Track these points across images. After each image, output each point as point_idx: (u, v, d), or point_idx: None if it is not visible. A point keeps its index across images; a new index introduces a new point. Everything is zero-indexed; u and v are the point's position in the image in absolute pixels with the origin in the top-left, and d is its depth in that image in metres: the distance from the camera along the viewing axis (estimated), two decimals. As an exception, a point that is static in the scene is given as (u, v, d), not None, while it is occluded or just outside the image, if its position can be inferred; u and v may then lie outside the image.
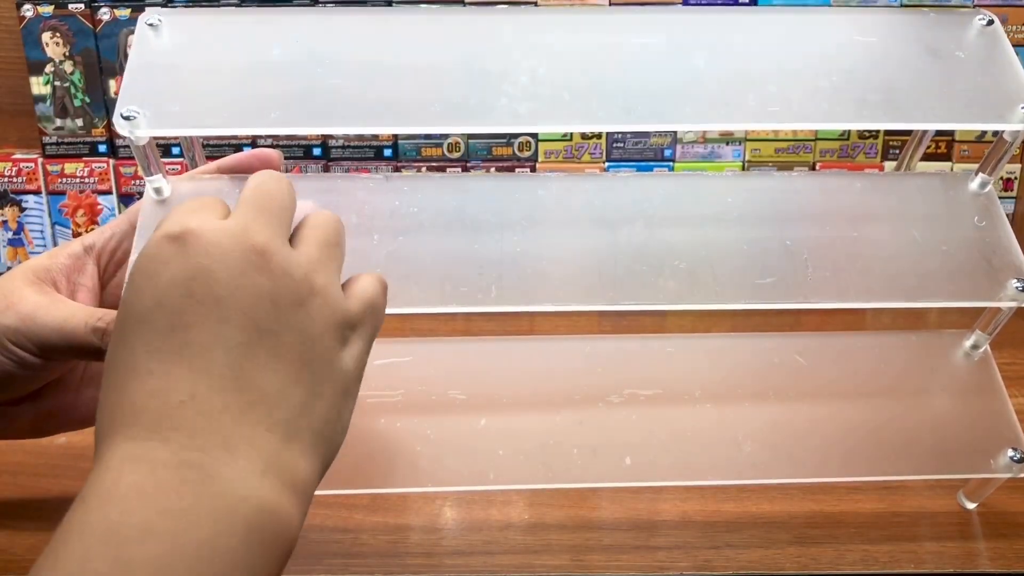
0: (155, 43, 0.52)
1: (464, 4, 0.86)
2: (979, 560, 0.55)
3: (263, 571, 0.32)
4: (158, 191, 0.51)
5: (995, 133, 0.55)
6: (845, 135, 0.90)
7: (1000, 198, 0.91)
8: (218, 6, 0.86)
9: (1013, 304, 0.53)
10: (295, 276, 0.37)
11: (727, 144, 0.90)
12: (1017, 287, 0.52)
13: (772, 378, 0.59)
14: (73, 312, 0.46)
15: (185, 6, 0.86)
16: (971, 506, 0.57)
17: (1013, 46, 0.87)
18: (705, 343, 0.63)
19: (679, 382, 0.59)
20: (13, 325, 0.46)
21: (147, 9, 0.53)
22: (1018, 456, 0.54)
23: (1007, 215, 0.91)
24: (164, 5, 0.86)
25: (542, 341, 0.65)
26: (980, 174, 0.56)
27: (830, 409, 0.57)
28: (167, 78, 0.51)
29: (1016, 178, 0.92)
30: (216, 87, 0.51)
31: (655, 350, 0.61)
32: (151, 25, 0.52)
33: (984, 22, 0.56)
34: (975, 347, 0.58)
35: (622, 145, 0.90)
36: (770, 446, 0.57)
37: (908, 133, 0.61)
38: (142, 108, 0.48)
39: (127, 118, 0.48)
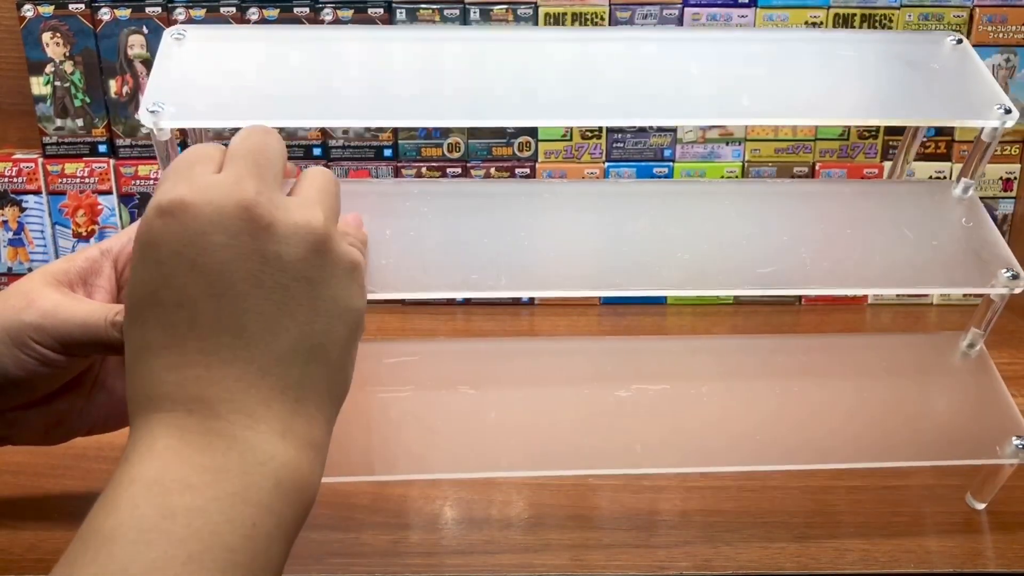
0: (179, 52, 0.55)
1: (465, 4, 0.86)
2: (980, 559, 0.55)
3: (289, 522, 0.35)
4: None
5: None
6: (844, 135, 0.90)
7: (1000, 198, 0.92)
8: (218, 4, 0.86)
9: (1004, 291, 0.54)
10: (296, 224, 0.37)
11: (727, 144, 0.90)
12: (1007, 275, 0.53)
13: (776, 375, 0.60)
14: (94, 308, 0.47)
15: (185, 6, 0.86)
16: (980, 506, 0.57)
17: (1013, 46, 0.88)
18: (708, 343, 0.64)
19: (685, 378, 0.60)
20: (35, 322, 0.47)
21: (173, 26, 0.56)
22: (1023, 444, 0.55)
23: (1007, 215, 0.92)
24: (163, 7, 0.86)
25: (548, 341, 0.66)
26: (963, 179, 0.58)
27: (835, 402, 0.58)
28: (189, 80, 0.54)
29: (1016, 178, 0.92)
30: (235, 87, 0.54)
31: (660, 350, 0.62)
32: (176, 38, 0.55)
33: (954, 41, 0.59)
34: (971, 345, 0.59)
35: (622, 145, 0.90)
36: (778, 436, 0.57)
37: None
38: (166, 104, 0.51)
39: (152, 112, 0.51)
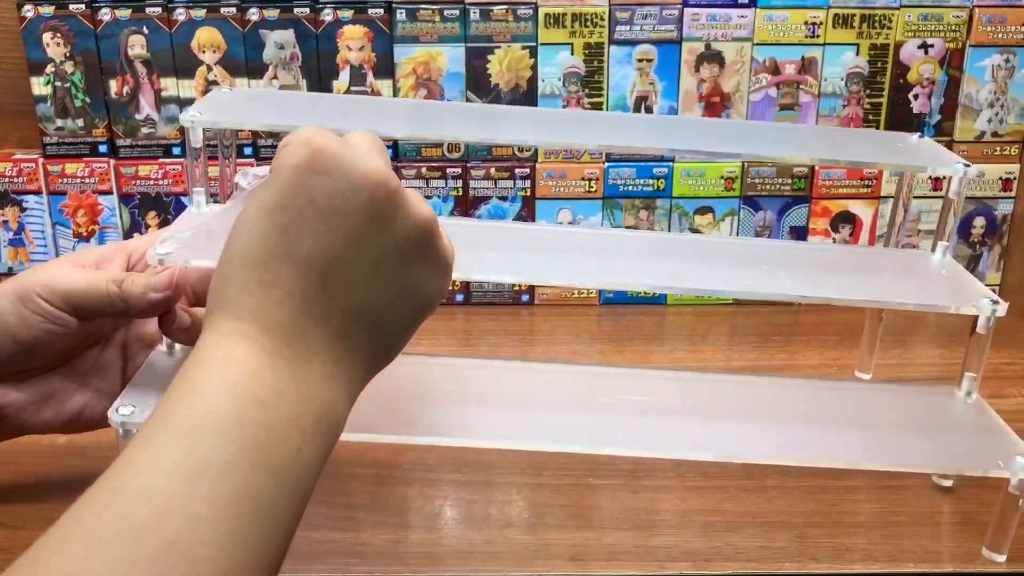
0: (224, 96, 0.66)
1: (465, 4, 0.86)
2: (979, 559, 0.55)
3: (322, 456, 0.38)
4: (198, 205, 0.60)
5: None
6: (845, 135, 0.90)
7: (999, 198, 0.92)
8: (219, 4, 0.86)
9: (987, 313, 0.57)
10: (415, 208, 0.41)
11: (727, 144, 0.90)
12: (987, 300, 0.57)
13: (762, 403, 0.61)
14: (99, 274, 0.54)
15: (185, 6, 0.86)
16: (1000, 559, 0.55)
17: (1013, 46, 0.88)
18: (707, 379, 0.66)
19: (671, 397, 0.61)
20: (43, 281, 0.52)
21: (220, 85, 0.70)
22: None
23: (1007, 215, 0.92)
24: (163, 7, 0.86)
25: (538, 364, 0.68)
26: (940, 242, 0.64)
27: (836, 441, 0.58)
28: (229, 107, 0.64)
29: (1015, 178, 0.92)
30: (268, 109, 0.67)
31: (654, 380, 0.64)
32: (224, 91, 0.67)
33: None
34: (969, 393, 0.60)
35: (622, 145, 0.90)
36: (769, 439, 0.57)
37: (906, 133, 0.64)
38: (204, 114, 0.60)
39: (191, 115, 0.59)
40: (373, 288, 0.40)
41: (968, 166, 0.61)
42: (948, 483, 0.60)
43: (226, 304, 0.39)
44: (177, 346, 0.58)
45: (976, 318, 0.57)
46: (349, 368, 0.40)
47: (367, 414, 0.55)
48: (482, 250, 0.61)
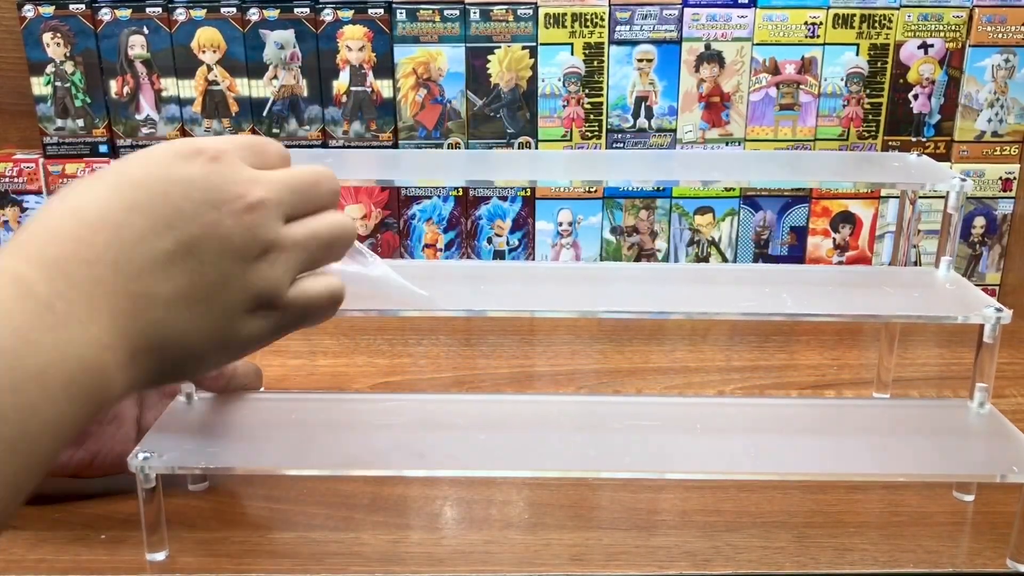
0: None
1: (464, 4, 0.86)
2: (979, 558, 0.55)
3: (68, 416, 0.35)
4: None
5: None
6: (844, 135, 0.90)
7: (999, 198, 0.92)
8: (219, 4, 0.86)
9: (990, 320, 0.58)
10: (278, 272, 0.41)
11: (726, 144, 0.90)
12: (991, 309, 0.58)
13: (775, 420, 0.62)
14: None
15: (185, 6, 0.86)
16: (1022, 568, 0.55)
17: (1013, 46, 0.88)
18: (720, 402, 0.66)
19: (678, 420, 0.61)
20: None
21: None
22: None
23: (1007, 215, 0.92)
24: (164, 7, 0.86)
25: (541, 396, 0.70)
26: (943, 257, 0.64)
27: (848, 445, 0.59)
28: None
29: (1015, 178, 0.92)
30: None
31: (661, 406, 0.64)
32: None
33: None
34: (981, 404, 0.60)
35: (621, 146, 0.90)
36: (775, 449, 0.57)
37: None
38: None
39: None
40: (188, 309, 0.39)
41: (964, 180, 0.62)
42: (969, 498, 0.60)
43: (30, 241, 0.37)
44: (196, 396, 0.60)
45: (983, 328, 0.58)
46: (132, 352, 0.38)
47: (373, 449, 0.56)
48: (484, 284, 0.63)
